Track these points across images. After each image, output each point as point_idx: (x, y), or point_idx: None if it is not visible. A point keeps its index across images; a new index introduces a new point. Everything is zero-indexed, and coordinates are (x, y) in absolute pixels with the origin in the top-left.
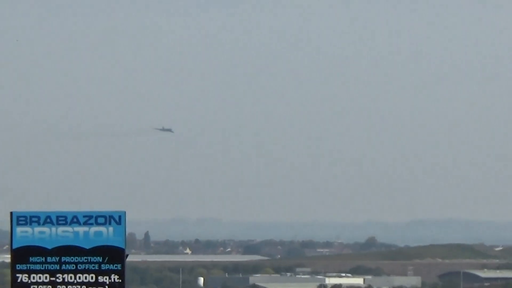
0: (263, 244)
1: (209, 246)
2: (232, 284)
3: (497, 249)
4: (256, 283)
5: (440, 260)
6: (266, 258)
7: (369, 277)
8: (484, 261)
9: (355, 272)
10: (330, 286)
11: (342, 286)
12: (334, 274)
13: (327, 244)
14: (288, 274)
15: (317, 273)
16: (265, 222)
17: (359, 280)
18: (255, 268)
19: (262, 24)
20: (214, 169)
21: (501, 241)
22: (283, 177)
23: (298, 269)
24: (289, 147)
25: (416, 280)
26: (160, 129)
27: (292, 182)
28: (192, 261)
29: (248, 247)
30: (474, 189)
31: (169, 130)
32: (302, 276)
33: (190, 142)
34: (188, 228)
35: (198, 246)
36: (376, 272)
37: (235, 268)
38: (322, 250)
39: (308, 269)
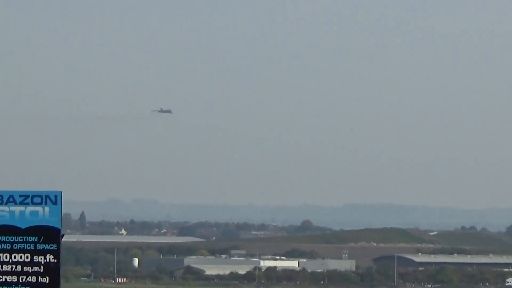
0: (198, 226)
1: (144, 227)
2: (167, 266)
3: (431, 233)
4: (191, 265)
5: (374, 244)
6: (201, 240)
7: (304, 260)
8: (419, 245)
9: (289, 255)
10: (264, 268)
11: (277, 268)
12: (269, 256)
13: (262, 227)
14: (223, 256)
15: (252, 256)
16: (200, 204)
17: (293, 263)
18: (190, 249)
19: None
20: (151, 151)
21: (436, 226)
22: (219, 160)
23: (233, 251)
24: (226, 131)
25: (350, 263)
26: (159, 111)
27: (228, 165)
28: (127, 242)
29: (183, 229)
30: (409, 174)
31: (169, 111)
32: (237, 259)
33: (125, 125)
34: (124, 209)
35: (133, 227)
36: (310, 255)
37: (170, 249)
38: (257, 232)
39: (243, 252)
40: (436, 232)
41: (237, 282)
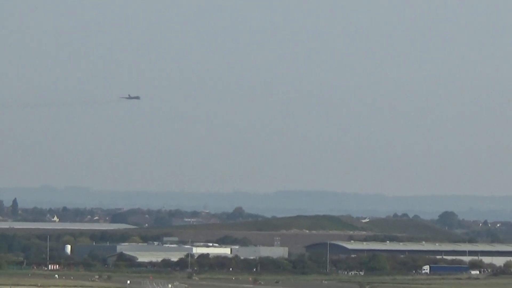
0: (131, 213)
1: (77, 214)
2: (100, 253)
3: (364, 221)
4: (124, 252)
5: (307, 231)
6: (133, 226)
7: (236, 247)
8: (351, 232)
9: (222, 242)
10: (197, 255)
11: (209, 255)
12: (201, 243)
13: (194, 214)
14: (156, 243)
15: (184, 243)
16: (132, 191)
17: (226, 250)
18: (123, 236)
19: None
20: (83, 138)
21: (368, 213)
22: (152, 147)
23: (165, 238)
24: (158, 118)
25: (283, 250)
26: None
27: (160, 152)
28: (60, 229)
29: (116, 216)
30: (341, 161)
31: (137, 97)
32: (170, 246)
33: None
34: (56, 196)
35: (65, 214)
36: (243, 242)
37: (102, 236)
38: (189, 219)
39: (175, 239)
40: (368, 219)
41: (169, 269)
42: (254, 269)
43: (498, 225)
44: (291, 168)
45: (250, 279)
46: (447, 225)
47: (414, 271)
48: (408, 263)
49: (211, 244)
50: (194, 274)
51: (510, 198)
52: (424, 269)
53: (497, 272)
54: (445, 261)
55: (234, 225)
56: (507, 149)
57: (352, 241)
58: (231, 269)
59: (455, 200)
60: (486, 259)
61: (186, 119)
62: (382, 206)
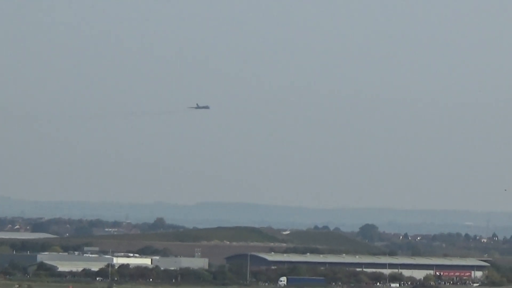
0: (52, 222)
1: None
2: (20, 262)
3: (284, 232)
4: (44, 261)
5: (227, 242)
6: (54, 236)
7: (157, 257)
8: (272, 244)
9: (143, 252)
10: (117, 265)
11: (130, 266)
12: (122, 254)
13: (116, 224)
14: (76, 252)
15: (105, 253)
16: (54, 201)
17: (146, 261)
18: (43, 246)
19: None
20: (4, 148)
21: (289, 225)
22: (72, 157)
23: (86, 248)
24: (80, 128)
25: (203, 261)
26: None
27: (81, 162)
28: None
29: (37, 225)
30: (263, 172)
31: (206, 107)
32: (90, 255)
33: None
34: None
35: None
36: (163, 253)
37: (23, 245)
38: (110, 229)
39: (96, 248)
40: (289, 231)
41: (89, 279)
42: (174, 280)
43: (418, 238)
44: (213, 180)
45: None
46: (367, 238)
47: (340, 283)
48: (328, 275)
49: (131, 255)
50: (115, 284)
51: (430, 212)
52: (282, 280)
53: (417, 285)
54: (365, 273)
55: (155, 235)
56: (427, 163)
57: (272, 252)
58: (151, 279)
59: (376, 213)
60: (406, 272)
61: (108, 128)
62: (303, 218)
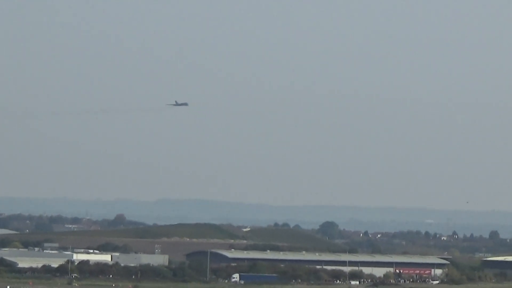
0: (12, 218)
1: None
2: None
3: (245, 229)
4: (4, 257)
5: (188, 239)
6: (14, 232)
7: (117, 254)
8: (232, 241)
9: (103, 248)
10: (77, 262)
11: (90, 262)
12: (82, 250)
13: (76, 220)
14: (36, 249)
15: (65, 249)
16: (14, 196)
17: (106, 257)
18: (3, 242)
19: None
20: None
21: (250, 222)
22: (33, 153)
23: (46, 244)
24: (41, 126)
25: (163, 258)
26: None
27: (42, 158)
28: None
29: None
30: (222, 169)
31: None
32: (50, 251)
33: None
34: None
35: None
36: (124, 249)
37: None
38: (70, 226)
39: (56, 245)
40: (249, 228)
41: (49, 275)
42: (134, 277)
43: (378, 235)
44: (174, 176)
45: (130, 286)
46: (328, 235)
47: (299, 280)
48: (288, 273)
49: (92, 251)
50: (74, 281)
51: (391, 209)
52: (234, 277)
53: (377, 282)
54: (325, 271)
55: (115, 232)
56: (386, 161)
57: (232, 249)
58: (111, 276)
59: (336, 211)
60: (366, 270)
61: (75, 124)
62: (264, 216)
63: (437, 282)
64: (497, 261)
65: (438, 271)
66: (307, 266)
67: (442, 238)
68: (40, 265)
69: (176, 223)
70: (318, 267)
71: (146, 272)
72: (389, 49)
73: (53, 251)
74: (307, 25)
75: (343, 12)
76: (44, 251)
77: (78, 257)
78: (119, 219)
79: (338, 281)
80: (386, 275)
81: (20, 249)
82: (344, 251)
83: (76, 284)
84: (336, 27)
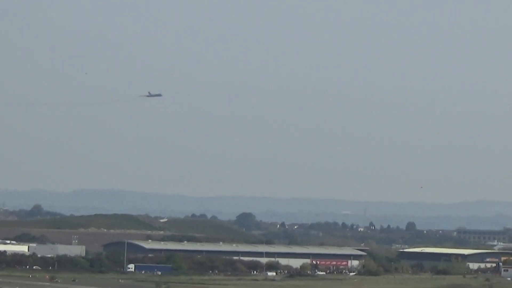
0: None
1: None
2: None
3: (162, 220)
4: None
5: (105, 230)
6: None
7: (34, 245)
8: (149, 232)
9: (20, 239)
10: None
11: (7, 253)
12: None
13: None
14: None
15: None
16: None
17: (23, 248)
18: None
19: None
20: None
21: (168, 213)
22: None
23: None
24: None
25: (80, 249)
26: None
27: None
28: None
29: None
30: (142, 160)
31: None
32: None
33: None
34: None
35: None
36: (41, 240)
37: None
38: None
39: None
40: (166, 219)
41: None
42: (51, 267)
43: (295, 227)
44: (90, 167)
45: (47, 277)
46: (244, 226)
47: (216, 271)
48: (205, 263)
49: (8, 242)
50: None
51: (307, 201)
52: (129, 268)
53: (294, 273)
54: (242, 262)
55: (32, 222)
56: (303, 152)
57: (149, 240)
58: (28, 266)
59: (253, 202)
60: (283, 261)
61: (10, 117)
62: (181, 207)
63: (354, 273)
64: (413, 252)
65: (355, 263)
66: (224, 257)
67: (359, 229)
68: None
69: (93, 214)
70: (235, 258)
71: (63, 262)
72: (389, 49)
73: None
74: (308, 24)
75: (343, 12)
76: None
77: None
78: (36, 209)
79: (255, 272)
80: (302, 266)
81: None
82: (261, 242)
83: None
84: (336, 27)
